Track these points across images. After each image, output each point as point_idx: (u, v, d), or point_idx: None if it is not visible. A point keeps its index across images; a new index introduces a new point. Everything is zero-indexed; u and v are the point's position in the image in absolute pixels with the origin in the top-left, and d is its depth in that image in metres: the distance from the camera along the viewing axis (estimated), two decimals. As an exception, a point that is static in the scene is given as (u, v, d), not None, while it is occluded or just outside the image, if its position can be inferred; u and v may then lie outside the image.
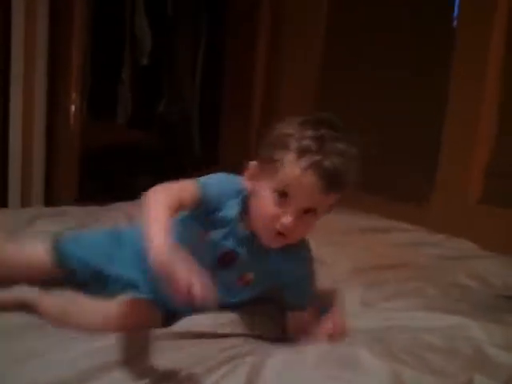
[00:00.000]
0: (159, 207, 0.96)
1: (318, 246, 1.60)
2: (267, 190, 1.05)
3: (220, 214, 1.11)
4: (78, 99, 2.63)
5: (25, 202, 2.54)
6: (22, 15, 2.46)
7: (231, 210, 1.12)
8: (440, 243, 1.86)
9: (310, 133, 1.02)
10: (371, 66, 2.44)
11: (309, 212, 1.04)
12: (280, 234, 1.05)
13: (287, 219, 1.03)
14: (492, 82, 2.09)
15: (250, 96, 2.99)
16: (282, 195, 1.03)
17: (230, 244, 1.13)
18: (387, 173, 2.26)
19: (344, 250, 1.66)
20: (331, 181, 1.02)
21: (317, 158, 1.01)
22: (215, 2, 3.17)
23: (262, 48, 2.96)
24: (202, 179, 1.10)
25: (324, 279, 1.36)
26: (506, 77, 2.06)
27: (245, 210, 1.12)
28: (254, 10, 2.95)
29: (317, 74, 2.71)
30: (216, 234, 1.12)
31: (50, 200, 2.57)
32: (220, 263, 1.13)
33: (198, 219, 1.12)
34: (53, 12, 2.54)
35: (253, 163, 1.11)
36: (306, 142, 1.02)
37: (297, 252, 1.15)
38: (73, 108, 2.62)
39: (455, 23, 2.22)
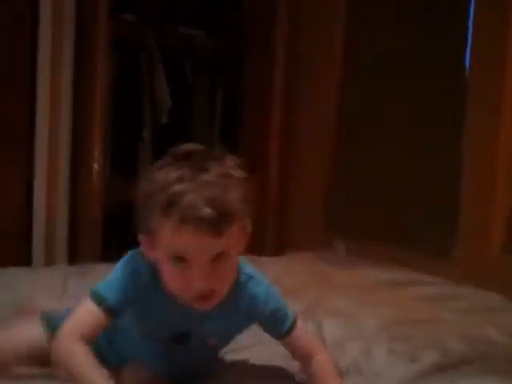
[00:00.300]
0: (77, 361, 0.92)
1: (344, 301, 1.61)
2: (164, 261, 0.95)
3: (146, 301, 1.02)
4: (101, 158, 2.70)
5: (48, 260, 2.57)
6: (48, 79, 2.58)
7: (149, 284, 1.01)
8: (466, 296, 1.84)
9: (169, 180, 0.91)
10: (391, 123, 2.49)
11: (221, 256, 0.93)
12: (202, 297, 0.95)
13: (198, 282, 0.92)
14: (507, 130, 2.12)
15: (268, 147, 3.04)
16: (178, 260, 0.93)
17: (172, 321, 1.04)
18: (410, 225, 2.27)
19: (370, 305, 1.65)
20: (213, 222, 0.89)
21: (182, 209, 0.89)
22: (232, 56, 3.26)
23: (278, 103, 3.04)
24: (99, 290, 1.00)
25: (351, 334, 1.36)
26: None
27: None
28: (271, 65, 3.04)
29: (332, 128, 2.77)
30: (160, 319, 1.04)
31: (74, 258, 2.60)
32: (177, 342, 1.06)
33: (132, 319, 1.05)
34: (76, 75, 2.65)
35: (141, 236, 1.00)
36: (166, 197, 0.90)
37: (241, 293, 1.05)
38: (96, 166, 2.68)
39: (467, 74, 2.26)
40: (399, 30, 2.46)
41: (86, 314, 0.99)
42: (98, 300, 0.98)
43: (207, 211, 0.88)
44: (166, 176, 0.92)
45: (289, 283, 1.76)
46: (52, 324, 1.10)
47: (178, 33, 3.27)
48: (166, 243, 0.92)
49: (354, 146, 2.64)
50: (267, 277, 1.11)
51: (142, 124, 3.07)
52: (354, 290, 1.65)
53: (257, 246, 2.90)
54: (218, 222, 0.90)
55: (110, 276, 1.02)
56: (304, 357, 1.10)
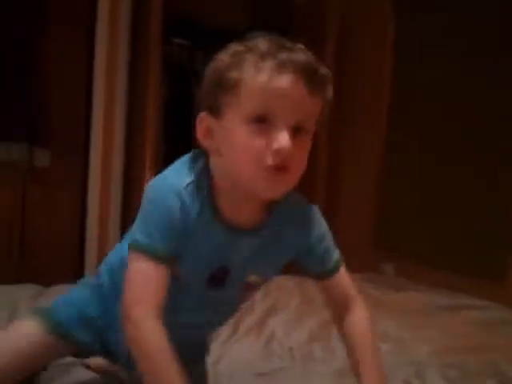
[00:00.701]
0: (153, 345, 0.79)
1: (395, 326, 1.60)
2: (236, 126, 0.80)
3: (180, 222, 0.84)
4: (153, 175, 2.75)
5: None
6: (102, 101, 2.67)
7: (193, 205, 0.85)
8: (520, 321, 1.80)
9: (259, 41, 0.82)
10: (441, 147, 2.47)
11: (300, 132, 0.81)
12: (278, 169, 0.79)
13: (283, 138, 0.78)
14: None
15: (316, 169, 3.05)
16: (260, 121, 0.79)
17: (210, 255, 0.89)
18: (461, 248, 2.24)
19: (422, 331, 1.63)
20: (312, 75, 0.80)
21: (280, 56, 0.79)
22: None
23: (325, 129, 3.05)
24: (143, 242, 0.83)
25: (403, 361, 1.35)
26: None
27: (211, 195, 0.87)
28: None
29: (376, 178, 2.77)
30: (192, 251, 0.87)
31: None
32: (210, 285, 0.92)
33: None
34: (129, 98, 2.73)
35: (203, 114, 0.85)
36: (263, 46, 0.80)
37: (297, 209, 0.94)
38: (148, 178, 2.74)
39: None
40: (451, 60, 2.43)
41: (142, 277, 0.82)
42: (149, 254, 0.82)
43: (311, 64, 0.80)
44: (250, 45, 0.82)
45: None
46: (46, 313, 1.02)
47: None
48: (252, 96, 0.78)
49: (404, 169, 2.62)
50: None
51: (191, 148, 3.12)
52: (405, 314, 1.64)
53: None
54: (317, 77, 0.81)
55: (145, 215, 0.85)
56: (341, 306, 0.99)
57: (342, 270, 0.99)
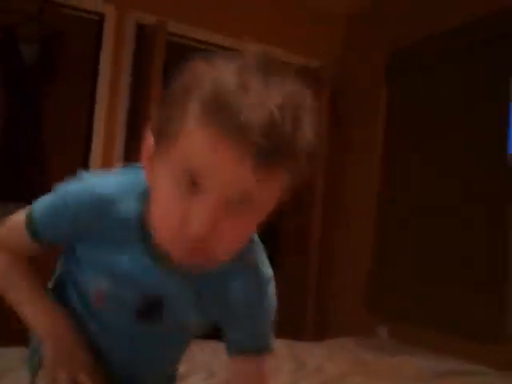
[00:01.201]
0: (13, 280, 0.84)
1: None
2: (166, 181, 0.66)
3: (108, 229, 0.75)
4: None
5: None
6: (102, 132, 2.71)
7: (127, 209, 0.75)
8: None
9: (222, 73, 0.62)
10: (435, 209, 2.51)
11: (239, 205, 0.64)
12: (196, 246, 0.65)
13: (199, 217, 0.63)
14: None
15: (309, 233, 3.06)
16: (190, 181, 0.63)
17: (142, 277, 0.77)
18: (456, 312, 2.23)
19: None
20: (267, 152, 0.60)
21: (235, 107, 0.60)
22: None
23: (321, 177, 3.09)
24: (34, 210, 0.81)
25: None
26: None
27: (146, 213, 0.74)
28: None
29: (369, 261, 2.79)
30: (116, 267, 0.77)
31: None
32: (140, 317, 0.80)
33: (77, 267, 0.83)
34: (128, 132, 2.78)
35: (148, 141, 0.71)
36: (220, 81, 0.61)
37: (245, 263, 0.78)
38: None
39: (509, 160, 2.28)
40: (440, 119, 2.53)
41: (14, 235, 0.83)
42: (31, 229, 0.80)
43: (265, 132, 0.59)
44: (218, 68, 0.64)
45: (330, 372, 1.73)
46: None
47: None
48: (187, 154, 0.63)
49: (396, 231, 2.65)
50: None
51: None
52: (399, 381, 1.61)
53: (297, 329, 2.89)
54: (273, 155, 0.61)
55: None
56: None
57: (268, 363, 0.84)
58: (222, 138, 0.60)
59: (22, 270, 0.85)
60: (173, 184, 0.65)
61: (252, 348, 0.82)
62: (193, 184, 0.63)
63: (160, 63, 2.67)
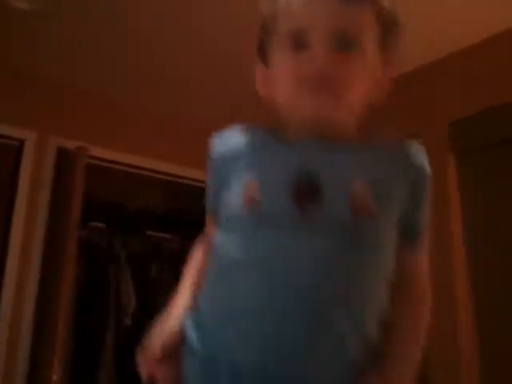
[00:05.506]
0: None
1: None
2: (280, 60, 0.77)
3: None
4: (60, 368, 2.58)
5: None
6: (14, 280, 2.59)
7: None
8: None
9: None
10: None
11: (347, 46, 0.72)
12: (318, 81, 0.71)
13: (315, 47, 0.72)
14: None
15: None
16: (297, 44, 0.74)
17: (286, 155, 0.74)
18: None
19: None
20: None
21: None
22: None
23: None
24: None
25: None
26: None
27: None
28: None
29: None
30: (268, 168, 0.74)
31: None
32: (300, 200, 0.69)
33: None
34: (42, 279, 2.66)
35: (258, 66, 0.82)
36: None
37: (393, 144, 0.76)
38: (54, 377, 2.55)
39: None
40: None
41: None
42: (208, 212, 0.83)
43: None
44: None
45: None
46: None
47: (145, 236, 3.41)
48: (284, 25, 0.75)
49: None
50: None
51: (105, 326, 3.02)
52: None
53: None
54: None
55: None
56: (404, 287, 0.74)
57: (424, 248, 0.77)
58: None
59: (196, 261, 0.85)
60: (286, 54, 0.74)
61: (419, 228, 0.76)
62: (300, 44, 0.72)
63: (81, 187, 2.67)
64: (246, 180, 0.72)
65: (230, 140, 0.79)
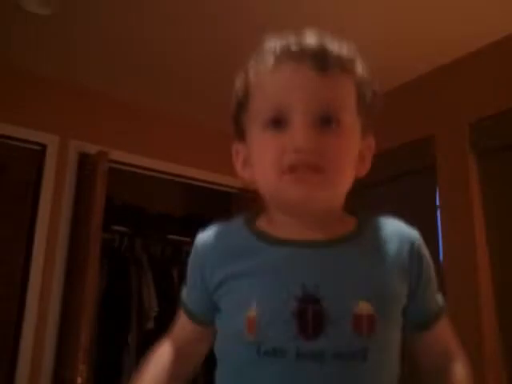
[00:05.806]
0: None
1: None
2: (257, 138, 0.72)
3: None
4: (85, 370, 2.60)
5: None
6: (39, 284, 2.61)
7: (236, 224, 0.76)
8: None
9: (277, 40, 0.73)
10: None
11: (329, 123, 0.68)
12: (304, 169, 0.67)
13: (297, 133, 0.67)
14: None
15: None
16: (276, 123, 0.69)
17: (281, 272, 0.69)
18: None
19: None
20: (319, 54, 0.69)
21: (278, 48, 0.71)
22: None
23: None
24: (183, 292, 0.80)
25: None
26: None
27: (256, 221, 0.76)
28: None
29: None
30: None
31: None
32: (304, 334, 0.65)
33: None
34: (67, 282, 2.69)
35: (235, 145, 0.78)
36: (277, 43, 0.72)
37: (392, 225, 0.75)
38: (79, 380, 2.57)
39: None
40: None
41: (178, 323, 0.81)
42: (184, 309, 0.79)
43: (311, 42, 0.70)
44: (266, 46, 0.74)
45: None
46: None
47: (166, 240, 3.42)
48: (260, 102, 0.71)
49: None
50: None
51: (128, 329, 3.03)
52: None
53: None
54: (325, 57, 0.69)
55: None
56: (440, 356, 0.76)
57: (445, 318, 0.77)
58: (281, 60, 0.69)
59: (161, 360, 0.80)
60: (264, 134, 0.69)
61: (440, 305, 0.76)
62: (278, 122, 0.68)
63: (102, 191, 2.69)
64: (244, 304, 0.67)
65: (216, 238, 0.75)
